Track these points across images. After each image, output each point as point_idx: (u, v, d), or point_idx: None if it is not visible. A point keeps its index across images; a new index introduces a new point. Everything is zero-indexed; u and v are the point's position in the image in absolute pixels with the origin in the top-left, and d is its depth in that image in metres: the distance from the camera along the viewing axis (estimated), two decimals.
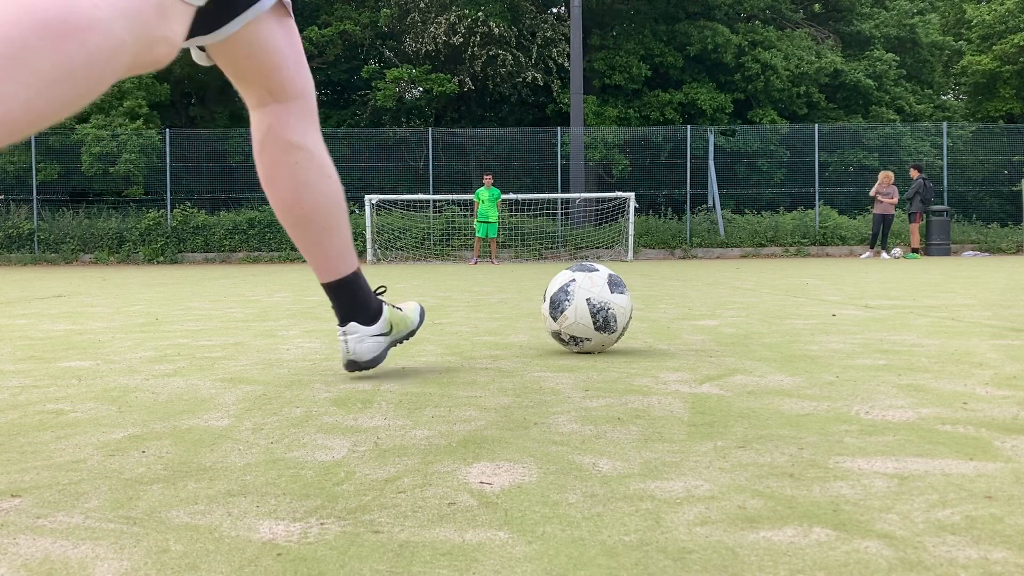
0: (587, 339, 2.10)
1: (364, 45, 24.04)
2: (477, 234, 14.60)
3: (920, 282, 5.77)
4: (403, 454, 1.13)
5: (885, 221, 14.73)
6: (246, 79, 1.58)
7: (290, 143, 1.62)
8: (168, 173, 18.81)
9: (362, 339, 1.78)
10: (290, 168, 1.64)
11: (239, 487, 0.99)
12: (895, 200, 14.71)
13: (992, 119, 23.69)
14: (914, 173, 15.18)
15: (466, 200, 16.25)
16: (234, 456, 1.14)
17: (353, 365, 1.80)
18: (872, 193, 14.84)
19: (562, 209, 18.18)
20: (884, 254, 14.66)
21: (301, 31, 22.26)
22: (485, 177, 14.62)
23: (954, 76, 25.87)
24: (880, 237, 14.81)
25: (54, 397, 1.61)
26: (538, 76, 21.12)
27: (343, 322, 1.79)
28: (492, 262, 14.52)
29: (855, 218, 18.73)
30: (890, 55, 22.64)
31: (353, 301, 1.79)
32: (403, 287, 6.10)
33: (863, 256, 15.19)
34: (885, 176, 14.79)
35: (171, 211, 18.32)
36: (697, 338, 2.47)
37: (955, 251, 16.85)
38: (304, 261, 16.91)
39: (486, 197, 14.39)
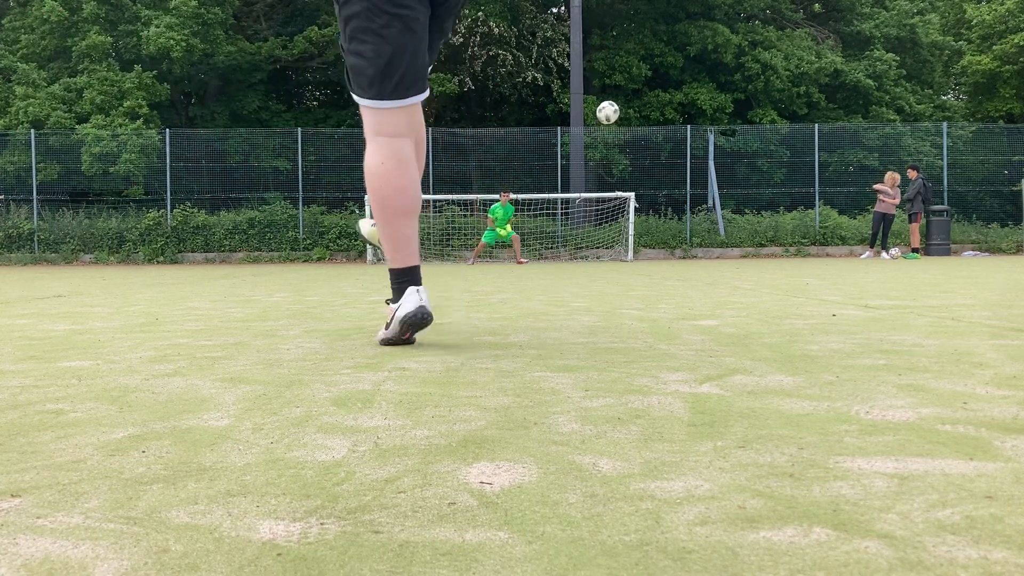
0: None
1: None
2: (484, 240, 14.10)
3: (920, 282, 5.77)
4: (403, 454, 1.13)
5: (885, 220, 14.72)
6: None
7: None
8: (168, 173, 18.82)
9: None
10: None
11: (239, 487, 0.99)
12: (897, 200, 14.70)
13: (992, 119, 23.69)
14: (912, 174, 15.17)
15: (466, 200, 16.25)
16: (234, 456, 1.14)
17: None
18: (875, 188, 14.82)
19: (562, 209, 18.18)
20: (884, 254, 14.66)
21: (301, 31, 22.29)
22: (503, 195, 14.01)
23: (954, 76, 25.87)
24: (880, 237, 14.80)
25: (54, 397, 1.61)
26: (538, 76, 21.11)
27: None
28: (519, 261, 14.06)
29: (855, 218, 18.74)
30: (890, 55, 22.63)
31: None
32: None
33: (863, 256, 15.16)
34: (891, 176, 14.77)
35: (171, 211, 18.32)
36: (697, 338, 2.47)
37: (955, 251, 16.85)
38: (304, 261, 16.91)
39: (500, 215, 13.84)
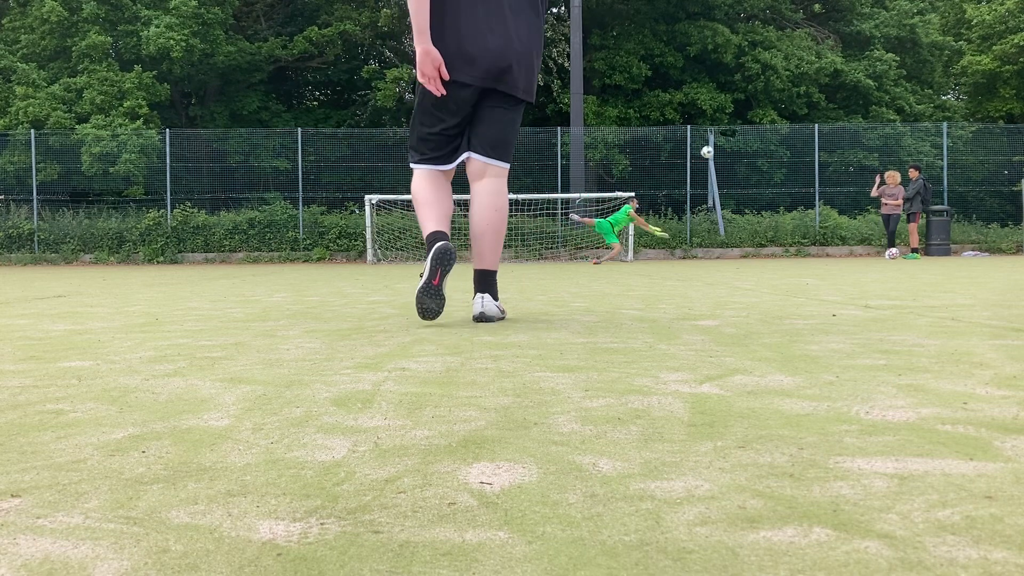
0: None
1: (364, 45, 24.03)
2: (608, 238, 13.81)
3: (920, 282, 5.77)
4: (403, 454, 1.13)
5: (892, 220, 14.74)
6: None
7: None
8: (168, 173, 18.82)
9: (490, 304, 3.13)
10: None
11: (239, 487, 0.99)
12: (900, 200, 14.70)
13: (992, 119, 23.69)
14: (913, 173, 15.16)
15: (466, 200, 16.24)
16: (234, 456, 1.14)
17: (483, 316, 3.09)
18: (874, 193, 14.85)
19: (562, 209, 18.19)
20: (884, 253, 14.65)
21: (301, 31, 22.29)
22: (632, 201, 14.09)
23: (954, 76, 25.86)
24: (888, 236, 14.84)
25: (54, 397, 1.61)
26: (538, 76, 21.10)
27: (481, 291, 3.15)
28: (597, 261, 13.72)
29: (855, 218, 18.73)
30: (890, 55, 22.63)
31: (492, 284, 3.19)
32: (403, 287, 6.11)
33: (891, 255, 14.79)
34: (891, 176, 14.78)
35: (171, 211, 18.32)
36: (697, 338, 2.47)
37: (955, 251, 16.84)
38: (304, 261, 16.91)
39: (623, 219, 13.85)
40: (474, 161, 3.18)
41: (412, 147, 3.24)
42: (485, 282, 3.18)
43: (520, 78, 3.14)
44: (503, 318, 3.20)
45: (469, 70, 3.04)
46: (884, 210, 14.75)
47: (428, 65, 3.00)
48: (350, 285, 6.53)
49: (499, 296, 3.17)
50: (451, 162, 3.20)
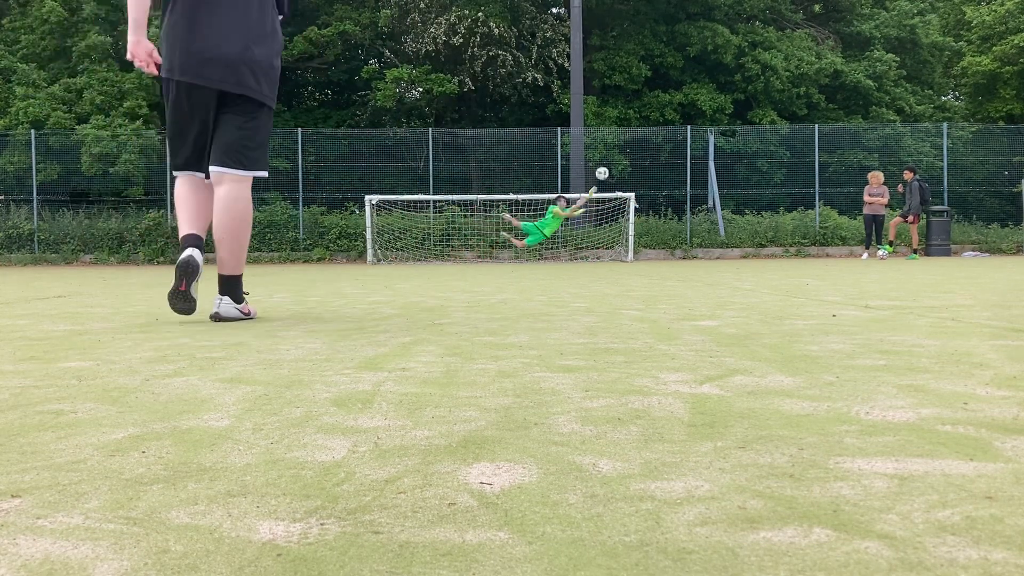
0: None
1: (364, 45, 24.03)
2: (529, 242, 13.75)
3: (920, 282, 5.77)
4: (403, 454, 1.13)
5: (876, 221, 14.80)
6: None
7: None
8: (168, 173, 18.79)
9: (227, 306, 3.29)
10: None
11: (239, 487, 0.99)
12: (885, 200, 14.76)
13: (992, 120, 23.67)
14: (907, 175, 15.16)
15: (466, 200, 16.26)
16: (234, 456, 1.14)
17: (217, 317, 3.25)
18: (868, 198, 14.95)
19: (562, 209, 18.15)
20: (880, 253, 14.68)
21: (301, 31, 22.29)
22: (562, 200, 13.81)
23: (954, 77, 25.86)
24: (875, 237, 14.87)
25: (54, 397, 1.61)
26: (538, 76, 21.11)
27: (221, 294, 3.29)
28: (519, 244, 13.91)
29: (855, 218, 18.73)
30: (890, 56, 22.62)
31: (233, 287, 3.33)
32: (403, 287, 6.10)
33: (863, 257, 15.18)
34: (874, 176, 14.87)
35: (171, 212, 18.30)
36: (697, 338, 2.47)
37: (955, 251, 16.84)
38: (304, 261, 16.91)
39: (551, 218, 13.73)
40: (211, 171, 3.30)
41: (170, 153, 3.40)
42: (226, 285, 3.32)
43: (252, 79, 3.30)
44: (247, 318, 3.35)
45: (200, 70, 3.17)
46: (867, 210, 14.81)
47: (141, 52, 3.21)
48: (350, 285, 6.53)
49: (245, 297, 3.42)
50: (203, 170, 3.33)
